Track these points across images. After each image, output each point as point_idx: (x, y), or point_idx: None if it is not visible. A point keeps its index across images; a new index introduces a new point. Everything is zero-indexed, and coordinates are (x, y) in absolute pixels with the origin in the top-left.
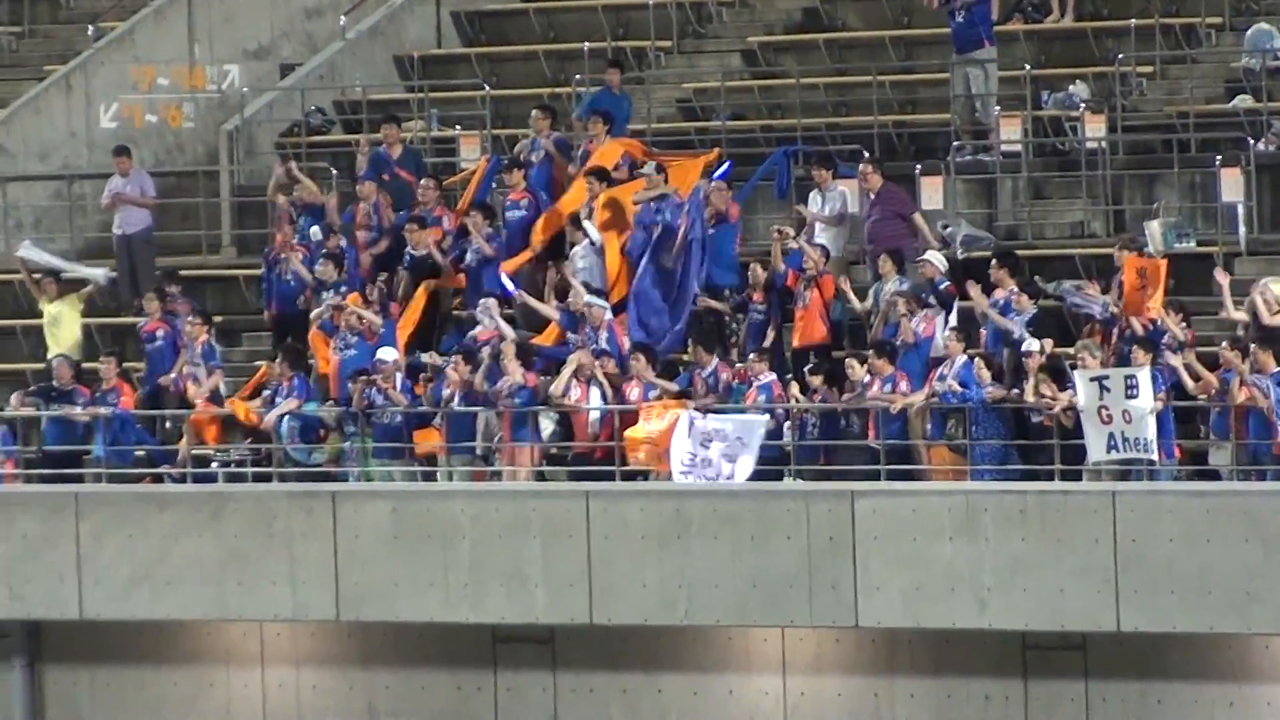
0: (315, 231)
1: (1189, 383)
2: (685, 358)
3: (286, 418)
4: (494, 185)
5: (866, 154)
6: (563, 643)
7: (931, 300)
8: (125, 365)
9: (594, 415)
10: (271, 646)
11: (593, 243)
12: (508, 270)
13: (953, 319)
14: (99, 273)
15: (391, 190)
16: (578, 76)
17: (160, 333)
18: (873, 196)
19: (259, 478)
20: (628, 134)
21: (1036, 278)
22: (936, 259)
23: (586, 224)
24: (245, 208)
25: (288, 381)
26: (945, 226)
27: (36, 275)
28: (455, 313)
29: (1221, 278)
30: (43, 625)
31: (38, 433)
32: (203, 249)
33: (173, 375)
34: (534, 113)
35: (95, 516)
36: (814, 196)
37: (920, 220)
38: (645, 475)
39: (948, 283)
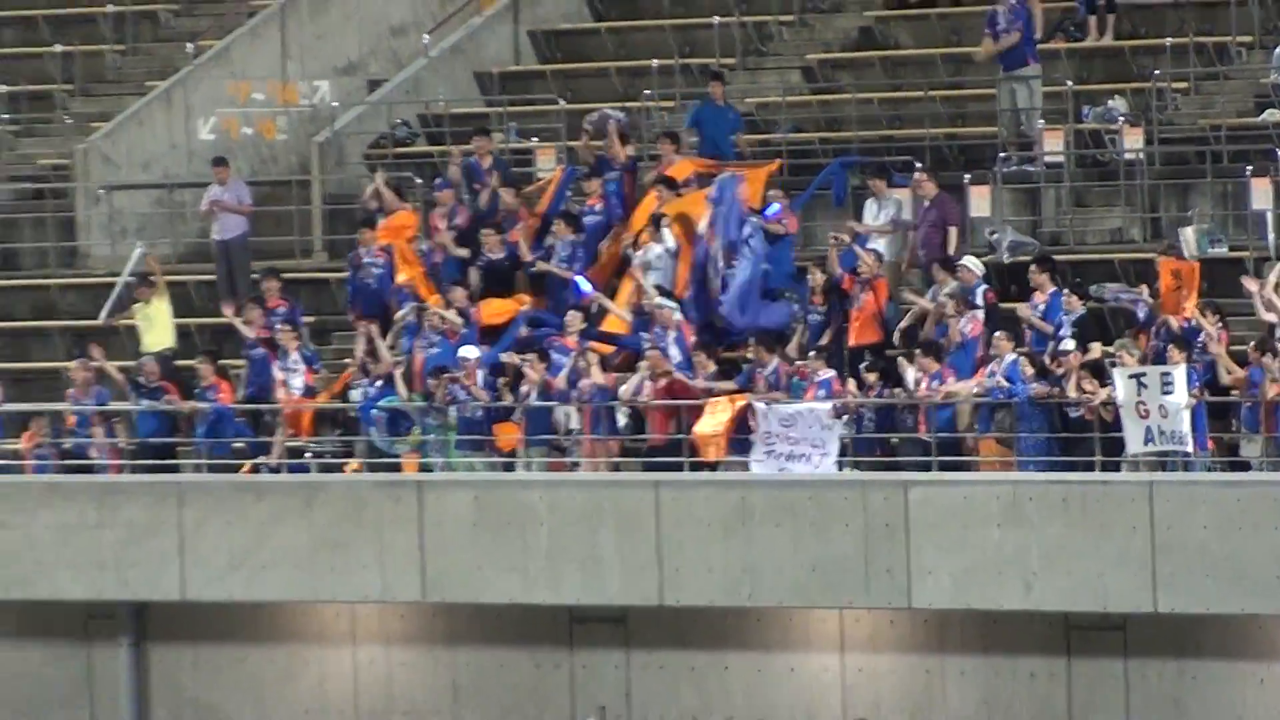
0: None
1: (1226, 376)
2: (748, 355)
3: (375, 410)
4: (568, 194)
5: (919, 165)
6: (635, 623)
7: (979, 302)
8: (222, 363)
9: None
10: (362, 627)
11: (668, 248)
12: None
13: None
14: (136, 252)
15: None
16: (647, 92)
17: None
18: (927, 204)
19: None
20: (733, 144)
21: (1076, 280)
22: (974, 264)
23: (665, 230)
24: (335, 214)
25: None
26: (992, 233)
27: (134, 278)
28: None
29: (1250, 284)
30: (148, 606)
31: (131, 426)
32: (295, 253)
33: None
34: (608, 128)
35: (197, 505)
36: (870, 204)
37: (953, 232)
38: (712, 466)
39: (985, 286)
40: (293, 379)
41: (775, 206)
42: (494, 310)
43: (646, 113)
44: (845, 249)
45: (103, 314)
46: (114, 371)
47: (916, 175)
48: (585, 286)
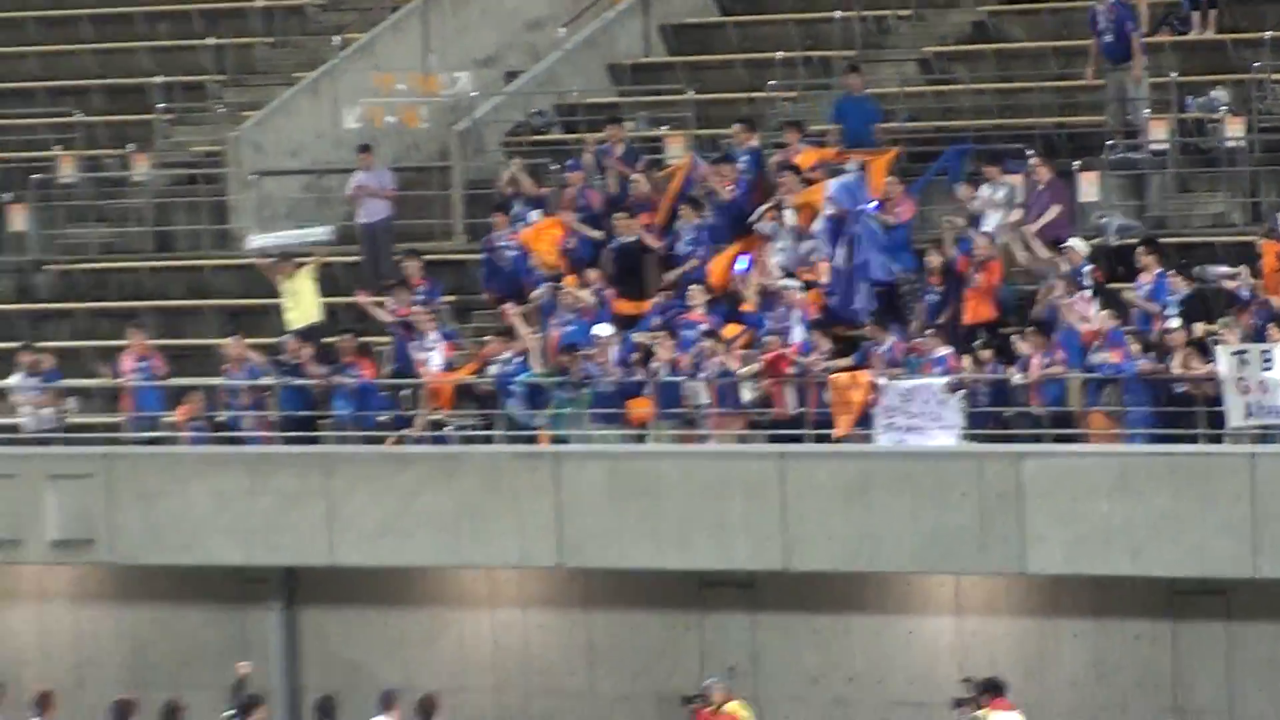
0: (535, 213)
1: None
2: (865, 333)
3: (513, 385)
4: (696, 181)
5: (1030, 152)
6: (761, 587)
7: (1086, 283)
8: (365, 340)
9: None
10: (501, 591)
11: (789, 231)
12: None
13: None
14: (321, 231)
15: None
16: (771, 83)
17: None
18: (1041, 188)
19: (488, 440)
20: (872, 133)
21: (1181, 262)
22: (1080, 246)
23: (787, 213)
24: (474, 199)
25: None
26: (1100, 217)
27: (272, 259)
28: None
29: None
30: (298, 571)
31: (276, 400)
32: (436, 236)
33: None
34: (736, 126)
35: (344, 474)
36: (984, 189)
37: (1053, 210)
38: (829, 437)
39: (1092, 266)
40: (432, 357)
41: (874, 202)
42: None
43: (771, 103)
44: (961, 233)
45: (256, 239)
46: (257, 357)
47: (1032, 161)
48: (742, 265)
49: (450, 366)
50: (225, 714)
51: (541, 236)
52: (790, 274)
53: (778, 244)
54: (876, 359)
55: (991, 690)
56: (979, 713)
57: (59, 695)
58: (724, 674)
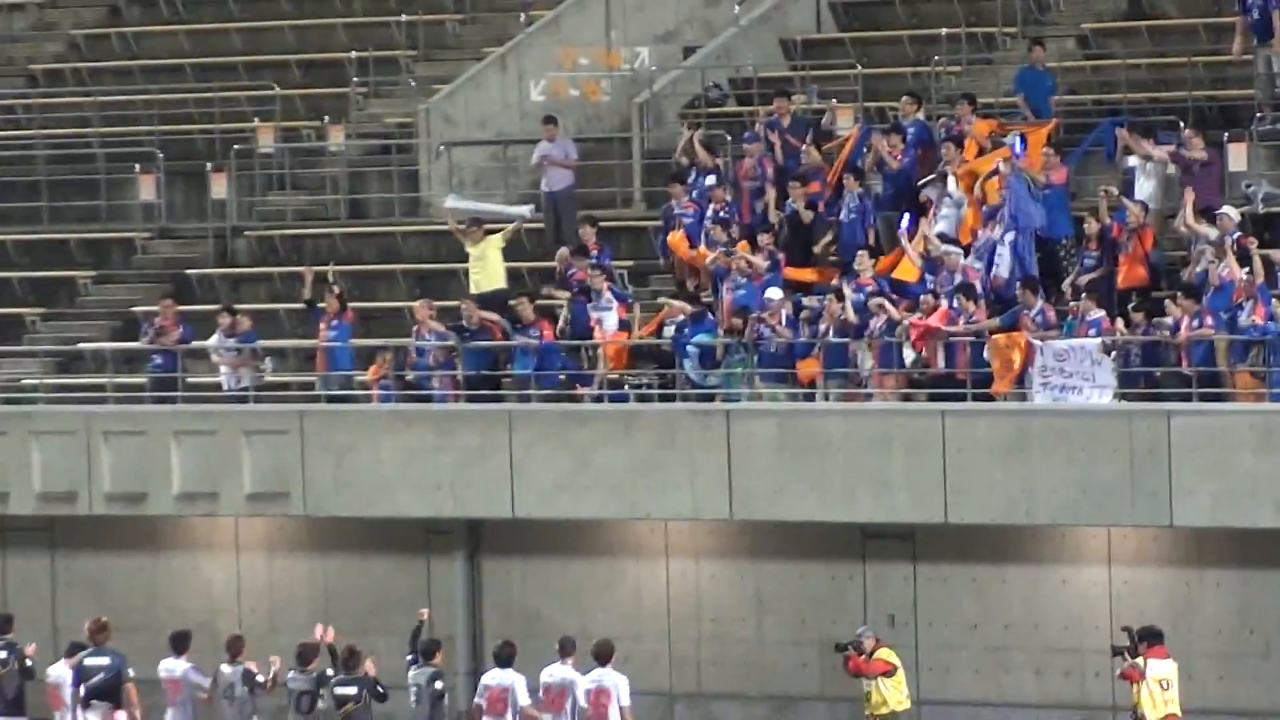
0: (710, 180)
1: None
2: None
3: (688, 345)
4: (864, 150)
5: (1182, 124)
6: (921, 539)
7: (1233, 248)
8: (543, 303)
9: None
10: (674, 541)
11: (952, 198)
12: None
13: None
14: (523, 210)
15: (784, 153)
16: (935, 57)
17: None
18: (1192, 159)
19: (664, 398)
20: (1051, 106)
21: None
22: (1232, 213)
23: (950, 181)
24: (652, 169)
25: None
26: (1248, 185)
27: (462, 224)
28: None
29: None
30: (481, 523)
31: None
32: (617, 204)
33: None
34: (904, 99)
35: (526, 431)
36: (1137, 160)
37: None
38: (990, 397)
39: (1240, 233)
40: (606, 317)
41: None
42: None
43: (935, 77)
44: (1115, 201)
45: (453, 200)
46: (438, 325)
47: (1187, 133)
48: (905, 223)
49: (624, 327)
50: (407, 658)
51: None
52: (952, 240)
53: (941, 211)
54: (1027, 321)
55: (1149, 639)
56: (1137, 660)
57: (248, 641)
58: (874, 625)
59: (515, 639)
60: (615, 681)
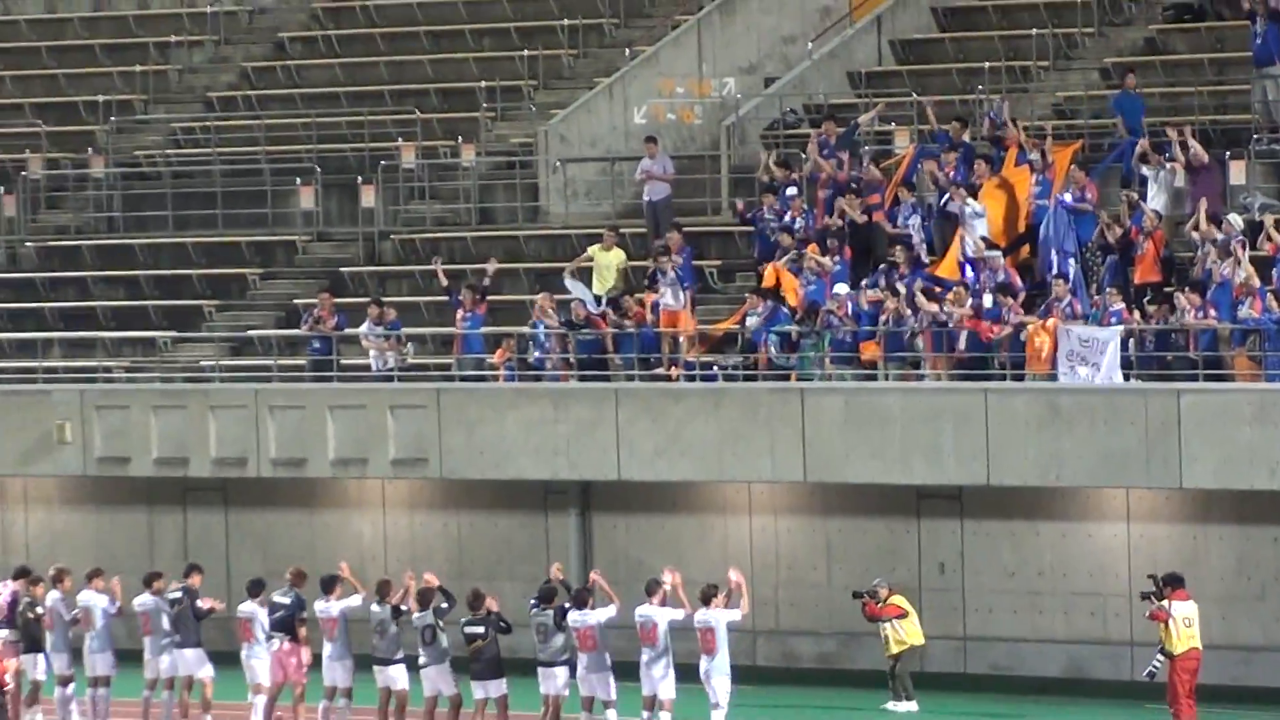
0: (792, 191)
1: None
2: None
3: (767, 333)
4: (919, 166)
5: (1192, 133)
6: (967, 499)
7: (1234, 249)
8: (640, 296)
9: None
10: (756, 501)
11: (974, 211)
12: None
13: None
14: (586, 295)
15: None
16: (980, 87)
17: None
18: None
19: (747, 378)
20: (1143, 127)
21: None
22: (1236, 220)
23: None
24: (738, 182)
25: (761, 304)
26: (1246, 196)
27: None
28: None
29: None
30: (591, 485)
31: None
32: (708, 211)
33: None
34: (954, 123)
35: (629, 405)
36: (1151, 171)
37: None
38: (1023, 376)
39: (1241, 238)
40: (666, 294)
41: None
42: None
43: (979, 103)
44: (1134, 208)
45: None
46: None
47: (1194, 147)
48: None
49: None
50: (531, 603)
51: None
52: (991, 244)
53: (973, 221)
54: (1059, 312)
55: (1173, 583)
56: (1163, 602)
57: (395, 584)
58: (888, 577)
59: (620, 584)
60: (717, 619)
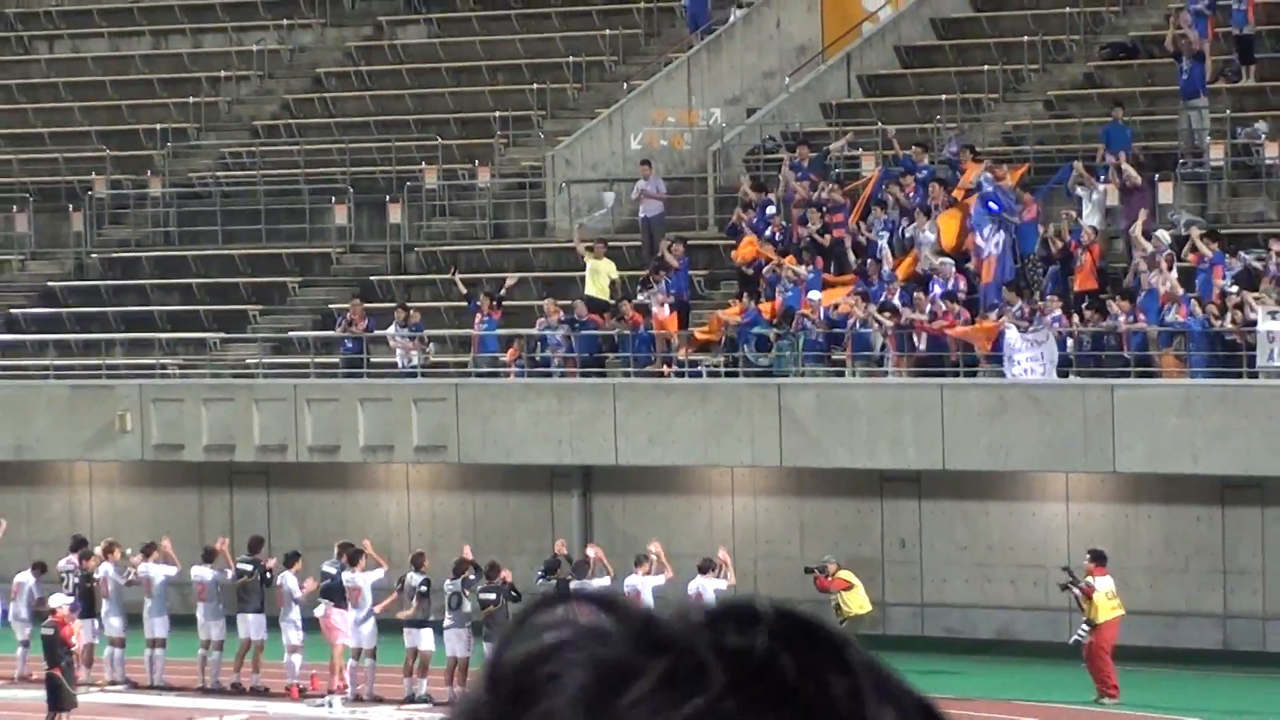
0: (771, 209)
1: None
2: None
3: (749, 334)
4: (884, 187)
5: (1124, 155)
6: (925, 482)
7: (1161, 260)
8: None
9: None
10: (738, 484)
11: (928, 237)
12: None
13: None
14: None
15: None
16: (938, 117)
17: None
18: (1131, 192)
19: (729, 375)
20: (1129, 153)
21: (1231, 246)
22: (1164, 235)
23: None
24: (722, 201)
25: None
26: (1173, 214)
27: (589, 244)
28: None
29: None
30: (592, 469)
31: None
32: (695, 226)
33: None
34: (914, 148)
35: (626, 398)
36: (1087, 191)
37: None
38: (975, 372)
39: (1168, 251)
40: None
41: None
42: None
43: (937, 132)
44: (1074, 224)
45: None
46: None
47: (1128, 170)
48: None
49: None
50: (537, 574)
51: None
52: (941, 252)
53: (925, 243)
54: (1008, 315)
55: (1097, 559)
56: (1087, 579)
57: (428, 556)
58: (836, 553)
59: (617, 557)
60: (706, 587)
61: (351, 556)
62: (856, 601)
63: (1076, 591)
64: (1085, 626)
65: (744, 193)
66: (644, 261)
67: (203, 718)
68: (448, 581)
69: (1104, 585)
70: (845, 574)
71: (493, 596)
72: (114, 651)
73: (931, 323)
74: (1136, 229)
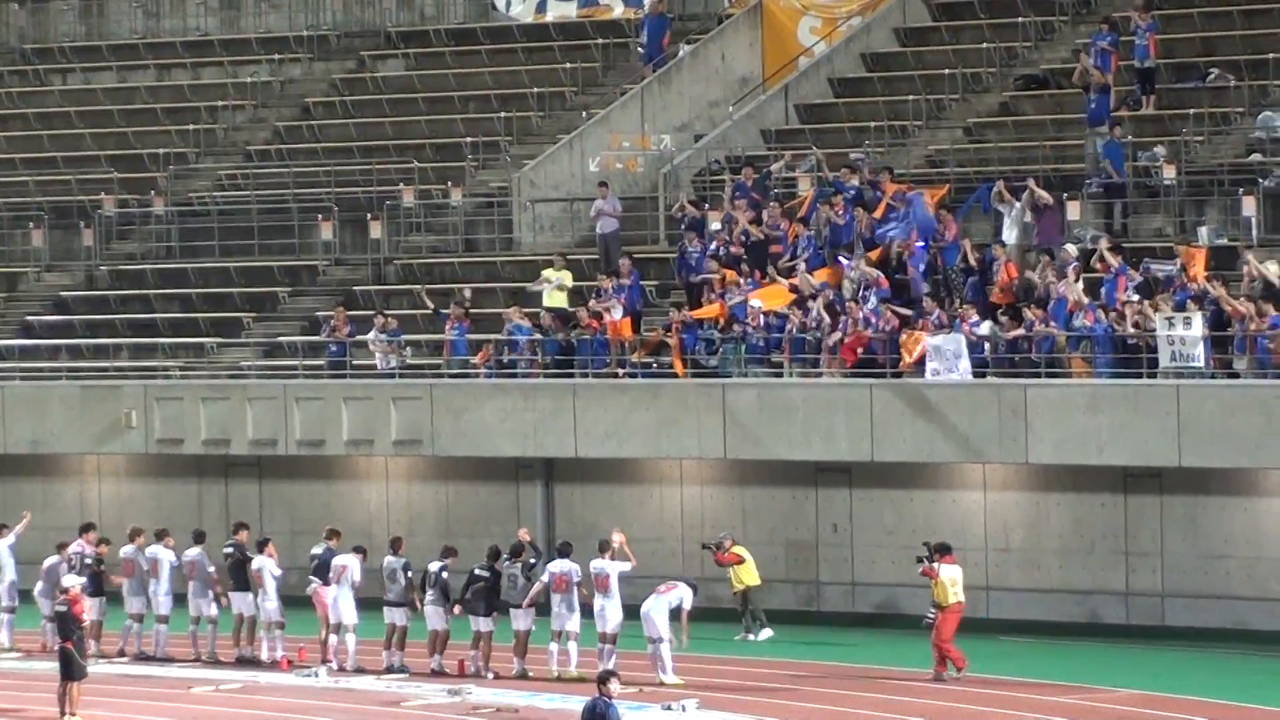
0: (715, 226)
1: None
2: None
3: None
4: (817, 206)
5: (1033, 181)
6: (856, 472)
7: (1068, 272)
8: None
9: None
10: (687, 474)
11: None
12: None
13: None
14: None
15: (752, 206)
16: (866, 142)
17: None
18: (1042, 209)
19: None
20: (1123, 167)
21: (1133, 258)
22: (1072, 249)
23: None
24: (671, 219)
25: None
26: (1080, 230)
27: (549, 257)
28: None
29: (1249, 260)
30: (554, 461)
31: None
32: (648, 241)
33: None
34: (843, 169)
35: (585, 397)
36: (1005, 209)
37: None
38: (898, 375)
39: (1076, 263)
40: (613, 309)
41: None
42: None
43: (866, 154)
44: (989, 241)
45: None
46: (525, 322)
47: (1038, 192)
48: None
49: (637, 315)
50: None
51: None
52: (872, 262)
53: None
54: (928, 322)
55: (943, 551)
56: (934, 564)
57: (404, 540)
58: (729, 532)
59: (576, 540)
60: (609, 569)
61: (329, 534)
62: (748, 575)
63: (922, 567)
64: (933, 610)
65: (681, 207)
66: (602, 272)
67: (200, 687)
68: (506, 563)
69: (950, 573)
70: (738, 549)
71: (487, 575)
72: (132, 624)
73: (866, 329)
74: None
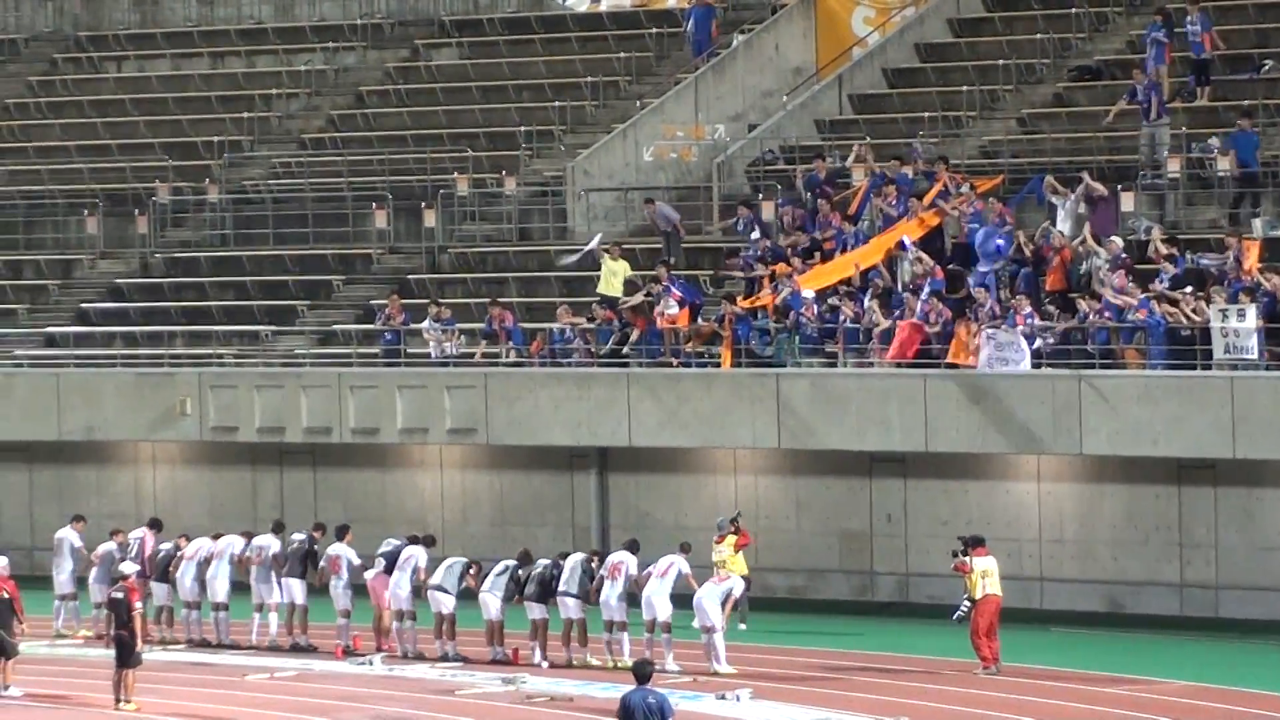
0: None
1: None
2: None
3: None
4: (872, 196)
5: (1087, 177)
6: (910, 462)
7: (1122, 265)
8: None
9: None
10: (740, 464)
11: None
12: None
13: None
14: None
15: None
16: (921, 133)
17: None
18: (1096, 201)
19: (734, 364)
20: (1258, 158)
21: (1186, 250)
22: (1119, 240)
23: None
24: (726, 207)
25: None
26: (1134, 221)
27: (606, 247)
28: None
29: None
30: (608, 450)
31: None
32: (701, 231)
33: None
34: (893, 160)
35: (638, 386)
36: (1058, 201)
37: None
38: (954, 366)
39: (1125, 256)
40: (669, 306)
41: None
42: (824, 274)
43: (919, 144)
44: (1044, 230)
45: (564, 259)
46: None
47: (1091, 183)
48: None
49: (695, 309)
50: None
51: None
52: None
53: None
54: (983, 313)
55: (976, 543)
56: (966, 558)
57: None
58: (733, 515)
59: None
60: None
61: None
62: (737, 564)
63: (955, 561)
64: (967, 603)
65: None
66: (660, 260)
67: (255, 675)
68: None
69: (983, 564)
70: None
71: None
72: (190, 613)
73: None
74: (1087, 233)
